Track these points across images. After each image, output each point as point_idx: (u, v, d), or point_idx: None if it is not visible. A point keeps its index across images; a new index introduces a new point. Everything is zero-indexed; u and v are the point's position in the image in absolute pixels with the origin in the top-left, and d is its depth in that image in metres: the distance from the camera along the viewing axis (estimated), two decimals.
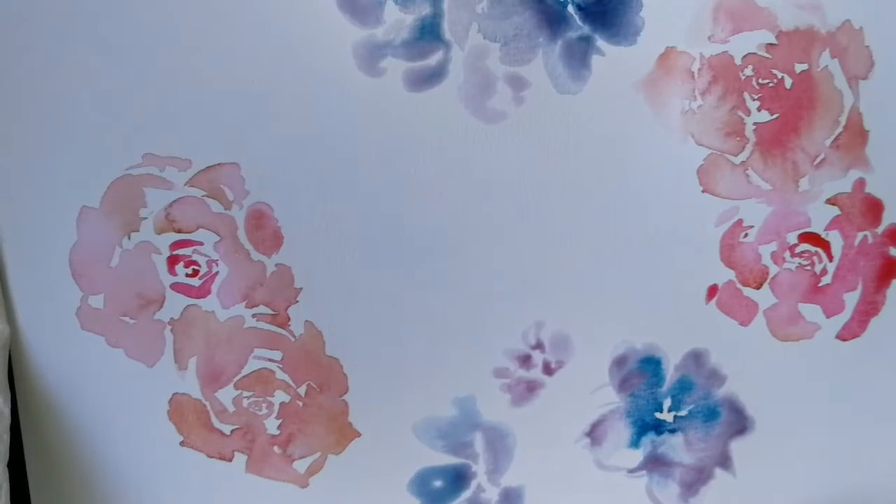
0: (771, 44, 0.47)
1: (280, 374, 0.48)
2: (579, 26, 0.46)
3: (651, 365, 0.50)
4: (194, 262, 0.46)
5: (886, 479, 0.54)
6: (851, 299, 0.51)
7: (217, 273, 0.46)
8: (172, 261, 0.46)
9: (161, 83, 0.44)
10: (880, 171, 0.49)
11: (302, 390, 0.48)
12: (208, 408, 0.48)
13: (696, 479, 0.53)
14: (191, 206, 0.46)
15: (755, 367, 0.51)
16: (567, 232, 0.48)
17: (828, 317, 0.51)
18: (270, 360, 0.48)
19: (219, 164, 0.45)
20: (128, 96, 0.44)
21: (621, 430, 0.51)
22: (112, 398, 0.47)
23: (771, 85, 0.47)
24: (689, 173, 0.48)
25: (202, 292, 0.46)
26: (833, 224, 0.50)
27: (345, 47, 0.45)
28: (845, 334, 0.51)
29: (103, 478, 0.48)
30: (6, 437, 0.45)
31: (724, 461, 0.52)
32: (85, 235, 0.45)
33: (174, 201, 0.45)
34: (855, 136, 0.49)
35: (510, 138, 0.46)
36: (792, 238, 0.50)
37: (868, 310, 0.51)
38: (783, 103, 0.48)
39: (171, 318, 0.46)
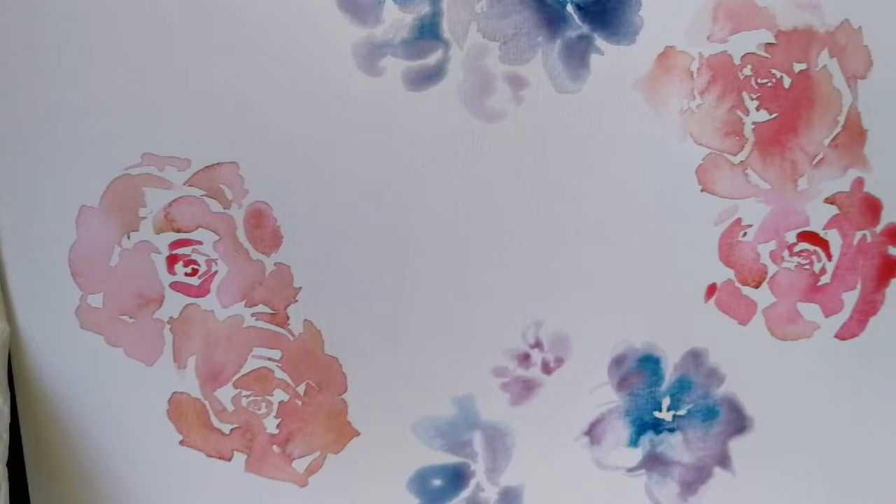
0: (770, 43, 0.47)
1: (279, 373, 0.48)
2: (578, 25, 0.46)
3: (650, 364, 0.50)
4: (193, 262, 0.46)
5: (886, 479, 0.54)
6: (850, 298, 0.51)
7: (216, 272, 0.46)
8: (172, 260, 0.46)
9: (160, 83, 0.44)
10: (879, 170, 0.49)
11: (301, 389, 0.48)
12: (207, 407, 0.48)
13: (696, 479, 0.53)
14: (190, 206, 0.46)
15: (754, 366, 0.51)
16: (566, 231, 0.48)
17: (827, 316, 0.51)
18: (269, 359, 0.48)
19: (218, 164, 0.45)
20: (127, 96, 0.44)
21: (620, 429, 0.51)
22: (111, 397, 0.47)
23: (770, 84, 0.47)
24: (689, 172, 0.48)
25: (201, 291, 0.46)
26: (832, 223, 0.50)
27: (345, 47, 0.45)
28: (844, 333, 0.51)
29: (102, 477, 0.48)
30: (6, 437, 0.45)
31: (724, 460, 0.52)
32: (84, 235, 0.45)
33: (173, 201, 0.45)
34: (853, 136, 0.49)
35: (509, 137, 0.46)
36: (791, 237, 0.50)
37: (867, 309, 0.51)
38: (782, 103, 0.48)
39: (171, 318, 0.47)
